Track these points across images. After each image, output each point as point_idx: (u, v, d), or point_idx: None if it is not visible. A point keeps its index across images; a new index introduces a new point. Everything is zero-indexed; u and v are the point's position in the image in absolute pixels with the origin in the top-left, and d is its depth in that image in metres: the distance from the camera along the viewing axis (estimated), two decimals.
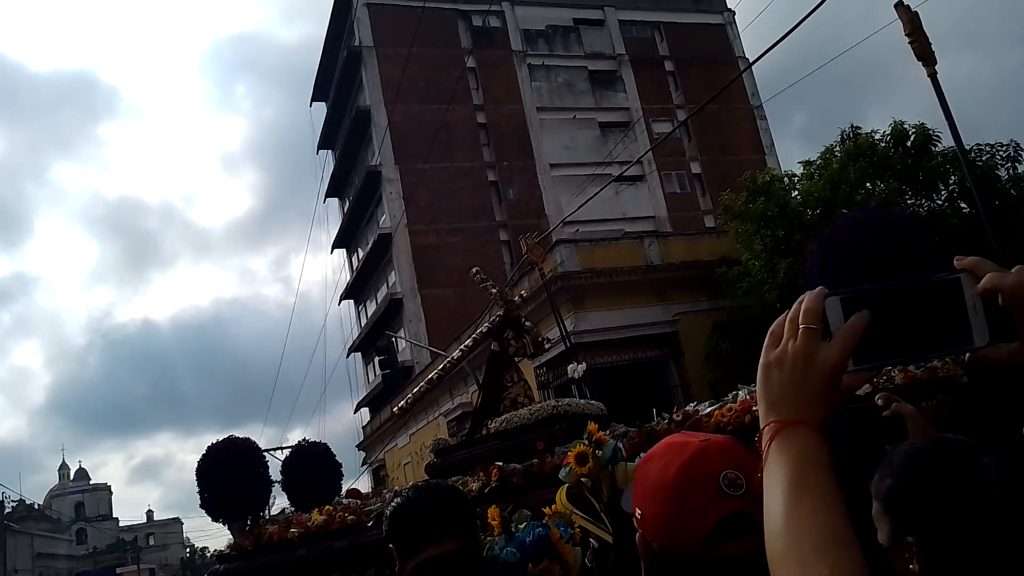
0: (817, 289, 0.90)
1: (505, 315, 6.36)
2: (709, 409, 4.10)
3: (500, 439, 5.91)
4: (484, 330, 6.63)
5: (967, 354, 0.91)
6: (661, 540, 1.14)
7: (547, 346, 6.93)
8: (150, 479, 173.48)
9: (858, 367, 0.87)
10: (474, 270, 7.01)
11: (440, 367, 7.61)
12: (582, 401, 6.23)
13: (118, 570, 61.02)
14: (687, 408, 4.35)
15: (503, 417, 5.93)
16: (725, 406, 4.13)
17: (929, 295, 0.87)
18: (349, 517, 6.05)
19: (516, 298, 6.69)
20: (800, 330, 0.87)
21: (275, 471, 12.76)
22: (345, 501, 7.06)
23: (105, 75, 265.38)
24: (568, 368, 10.01)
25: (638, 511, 1.19)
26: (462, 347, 7.39)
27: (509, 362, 6.38)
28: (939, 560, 1.08)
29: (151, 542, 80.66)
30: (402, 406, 7.63)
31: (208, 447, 11.88)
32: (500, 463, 4.69)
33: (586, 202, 18.96)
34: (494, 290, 6.68)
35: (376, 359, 30.61)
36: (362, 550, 5.50)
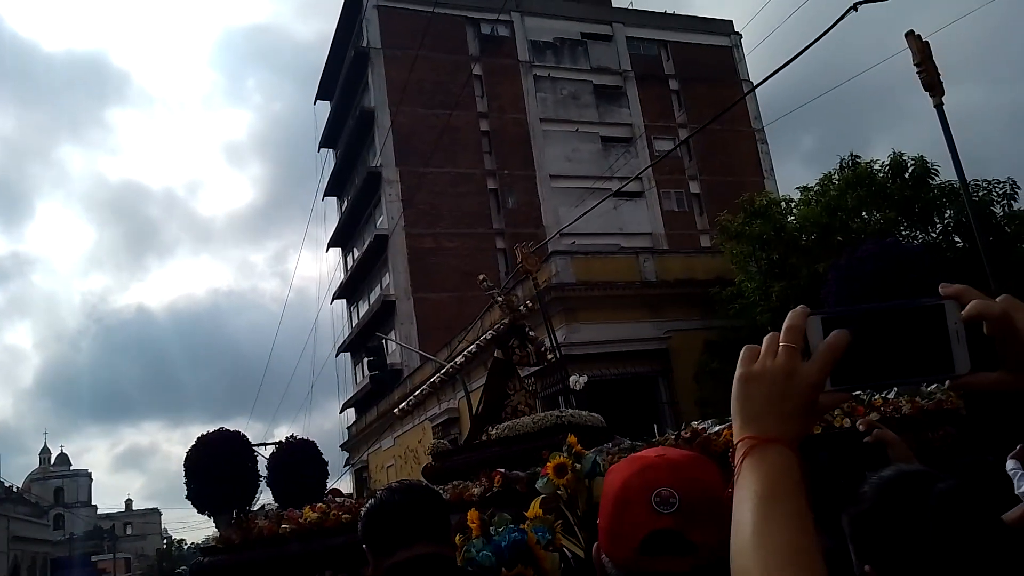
0: (799, 308, 0.89)
1: (511, 323, 6.43)
2: (718, 428, 4.16)
3: (501, 446, 5.95)
4: (489, 337, 6.70)
5: (947, 381, 0.89)
6: (606, 550, 1.16)
7: (550, 356, 7.00)
8: (133, 467, 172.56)
9: (836, 388, 0.87)
10: (481, 277, 7.08)
11: (443, 371, 7.67)
12: (584, 413, 6.31)
13: (94, 558, 60.66)
14: (694, 424, 4.42)
15: (505, 424, 5.98)
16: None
17: (913, 319, 0.86)
18: (344, 516, 6.10)
19: (522, 307, 6.77)
20: (780, 347, 0.87)
21: (262, 466, 12.75)
22: (338, 500, 7.11)
23: (117, 59, 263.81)
24: (570, 380, 10.07)
25: (599, 520, 1.21)
26: (466, 352, 7.46)
27: (512, 370, 6.45)
28: None
29: (128, 531, 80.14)
30: (404, 407, 7.68)
31: (198, 438, 11.82)
32: (503, 469, 4.75)
33: (584, 214, 19.09)
34: (500, 298, 6.75)
35: (365, 360, 30.59)
36: (359, 548, 5.54)
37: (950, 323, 0.85)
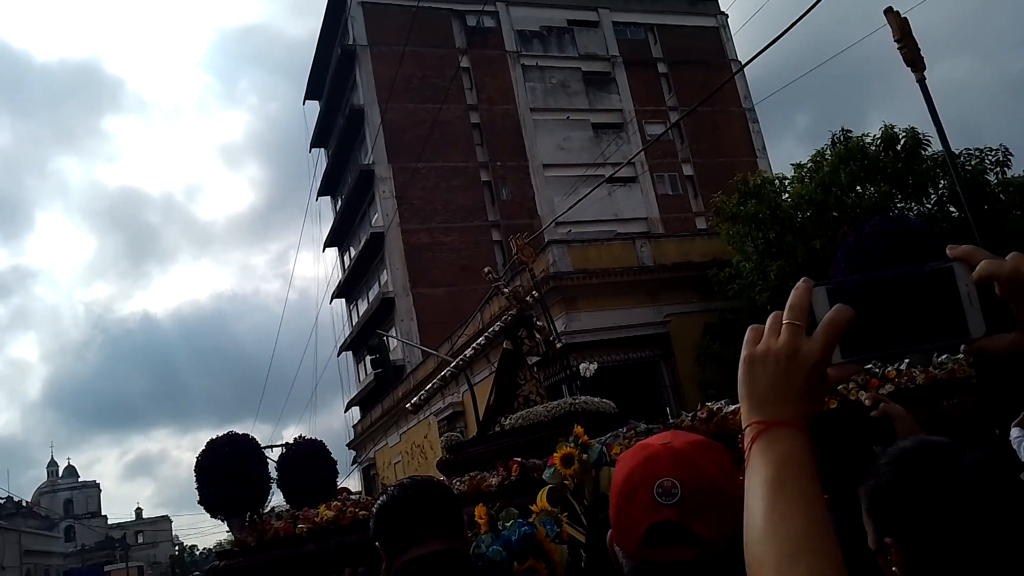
0: (801, 282, 0.86)
1: (519, 314, 6.48)
2: (733, 407, 4.21)
3: (514, 436, 6.00)
4: (497, 328, 6.75)
5: (962, 345, 0.85)
6: (616, 541, 1.17)
7: (558, 345, 7.05)
8: (144, 475, 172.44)
9: (846, 359, 0.84)
10: (486, 269, 7.13)
11: (453, 364, 7.73)
12: (596, 399, 6.36)
13: (106, 568, 60.79)
14: (708, 405, 4.47)
15: (519, 414, 6.03)
16: None
17: (921, 285, 0.83)
18: (360, 512, 6.15)
19: (528, 298, 6.80)
20: (783, 326, 0.84)
21: (272, 468, 12.80)
22: (353, 497, 7.16)
23: (110, 66, 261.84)
24: (580, 367, 10.12)
25: (609, 511, 1.20)
26: (475, 344, 7.51)
27: (522, 360, 6.50)
28: (918, 560, 1.08)
29: (140, 540, 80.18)
30: (416, 402, 7.74)
31: (208, 443, 11.85)
32: (519, 458, 4.81)
33: (578, 202, 19.12)
34: (507, 290, 6.80)
35: (367, 358, 30.60)
36: (375, 545, 5.59)
37: (960, 286, 0.82)
